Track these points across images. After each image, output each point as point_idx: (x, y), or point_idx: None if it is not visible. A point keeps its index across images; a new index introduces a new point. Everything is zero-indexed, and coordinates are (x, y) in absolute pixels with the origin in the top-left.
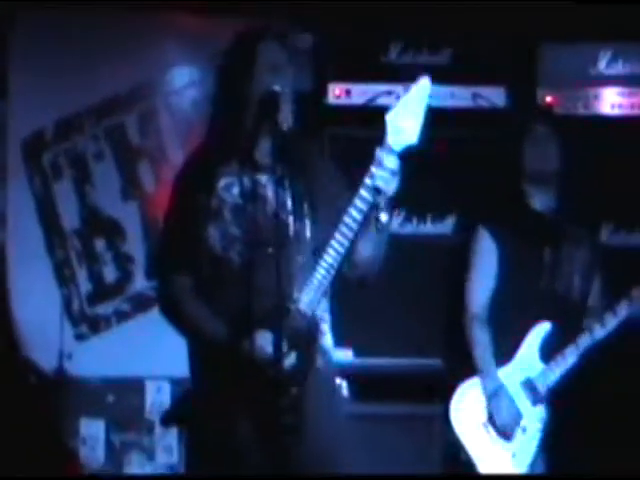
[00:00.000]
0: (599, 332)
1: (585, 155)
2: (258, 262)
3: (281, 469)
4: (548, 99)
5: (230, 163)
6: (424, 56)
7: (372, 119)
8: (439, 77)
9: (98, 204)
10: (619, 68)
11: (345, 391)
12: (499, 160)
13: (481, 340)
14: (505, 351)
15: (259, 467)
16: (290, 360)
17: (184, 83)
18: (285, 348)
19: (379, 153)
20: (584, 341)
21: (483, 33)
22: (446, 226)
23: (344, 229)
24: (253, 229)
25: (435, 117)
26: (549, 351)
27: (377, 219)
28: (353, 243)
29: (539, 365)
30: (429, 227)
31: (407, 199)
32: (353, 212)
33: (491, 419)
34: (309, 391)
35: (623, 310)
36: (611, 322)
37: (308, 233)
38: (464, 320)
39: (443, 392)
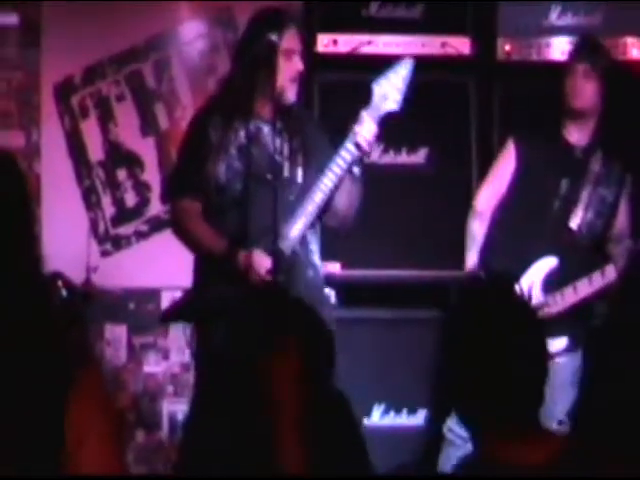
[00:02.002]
0: (597, 281)
1: None
2: (257, 193)
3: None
4: (507, 47)
5: (239, 111)
6: (400, 10)
7: (355, 65)
8: (413, 28)
9: (120, 139)
10: (568, 20)
11: (333, 299)
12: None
13: (474, 233)
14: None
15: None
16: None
17: (193, 35)
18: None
19: (363, 114)
20: (582, 285)
21: None
22: (419, 157)
23: (330, 175)
24: (253, 165)
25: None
26: (550, 286)
27: (351, 171)
28: (333, 194)
29: (540, 298)
30: (404, 157)
31: (386, 135)
32: (338, 161)
33: None
34: (302, 295)
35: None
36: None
37: (300, 179)
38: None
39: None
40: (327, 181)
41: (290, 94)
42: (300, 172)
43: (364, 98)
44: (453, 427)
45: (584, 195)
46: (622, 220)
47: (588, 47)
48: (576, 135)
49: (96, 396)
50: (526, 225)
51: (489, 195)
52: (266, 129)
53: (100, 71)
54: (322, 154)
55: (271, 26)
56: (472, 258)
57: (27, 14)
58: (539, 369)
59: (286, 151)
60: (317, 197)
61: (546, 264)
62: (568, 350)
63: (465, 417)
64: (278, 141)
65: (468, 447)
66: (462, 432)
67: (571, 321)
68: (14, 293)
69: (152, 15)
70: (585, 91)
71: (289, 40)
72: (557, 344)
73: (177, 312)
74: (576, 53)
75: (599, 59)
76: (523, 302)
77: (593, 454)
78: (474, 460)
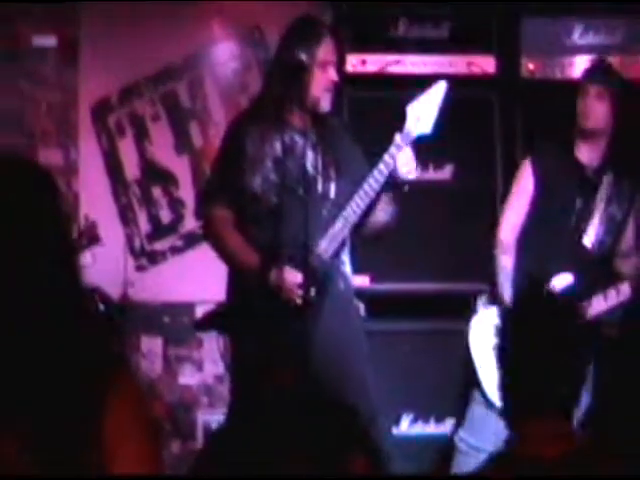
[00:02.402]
0: (612, 298)
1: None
2: (290, 206)
3: (306, 375)
4: (530, 66)
5: (275, 123)
6: (427, 30)
7: (383, 84)
8: (439, 48)
9: (155, 157)
10: (590, 39)
11: (362, 312)
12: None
13: (502, 266)
14: None
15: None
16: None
17: (226, 55)
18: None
19: (397, 137)
20: (597, 302)
21: (476, 9)
22: (445, 173)
23: (363, 195)
24: (287, 177)
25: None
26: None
27: (400, 189)
28: (371, 210)
29: None
30: (431, 174)
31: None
32: (371, 182)
33: None
34: (334, 307)
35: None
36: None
37: (332, 194)
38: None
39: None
40: (359, 201)
41: (324, 103)
42: (333, 187)
43: (393, 116)
44: (464, 437)
45: (596, 214)
46: (630, 237)
47: (601, 68)
48: (587, 155)
49: (133, 401)
50: (546, 241)
51: (511, 224)
52: (300, 141)
53: (136, 91)
54: (355, 167)
55: (306, 37)
56: (508, 291)
57: (65, 35)
58: (582, 374)
59: (320, 165)
60: (349, 216)
61: (563, 280)
62: None
63: (510, 407)
64: (312, 155)
65: (479, 456)
66: (473, 441)
67: None
68: (54, 302)
69: (187, 37)
70: (597, 112)
71: (325, 51)
72: None
73: (210, 321)
74: (589, 74)
75: (612, 80)
76: (583, 323)
77: (601, 454)
78: (506, 452)
